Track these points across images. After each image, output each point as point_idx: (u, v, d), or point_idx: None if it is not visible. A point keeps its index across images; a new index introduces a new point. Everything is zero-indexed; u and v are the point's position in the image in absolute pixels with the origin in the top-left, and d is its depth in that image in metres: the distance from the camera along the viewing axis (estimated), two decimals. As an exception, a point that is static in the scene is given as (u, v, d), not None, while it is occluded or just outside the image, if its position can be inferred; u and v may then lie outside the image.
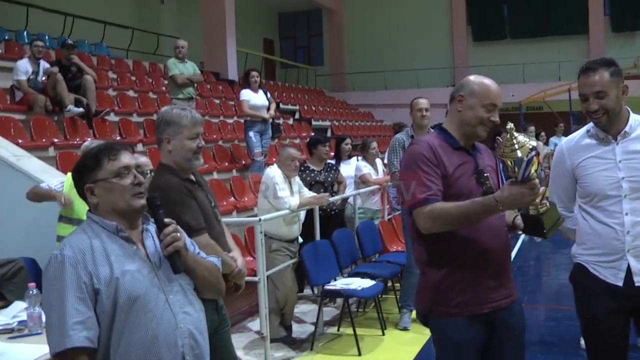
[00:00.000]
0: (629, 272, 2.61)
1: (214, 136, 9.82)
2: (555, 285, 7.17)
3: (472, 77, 2.50)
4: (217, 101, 12.31)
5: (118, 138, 8.06)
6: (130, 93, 10.45)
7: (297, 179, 5.44)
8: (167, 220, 2.09)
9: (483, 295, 2.40)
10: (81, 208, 3.99)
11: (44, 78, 7.74)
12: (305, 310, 6.15)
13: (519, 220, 2.45)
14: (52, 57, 9.05)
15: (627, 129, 2.63)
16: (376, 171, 7.05)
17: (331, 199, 5.85)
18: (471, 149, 2.51)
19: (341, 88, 22.51)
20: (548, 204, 2.31)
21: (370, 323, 5.67)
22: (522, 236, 8.66)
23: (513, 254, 7.60)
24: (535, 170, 2.13)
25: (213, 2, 14.10)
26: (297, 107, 15.51)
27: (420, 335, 5.10)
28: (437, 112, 7.13)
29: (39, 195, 4.43)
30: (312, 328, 5.33)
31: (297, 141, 11.35)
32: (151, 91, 11.22)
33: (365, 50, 22.25)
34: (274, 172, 5.23)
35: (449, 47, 22.42)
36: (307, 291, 6.51)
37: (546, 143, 11.85)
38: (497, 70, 15.87)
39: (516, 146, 2.13)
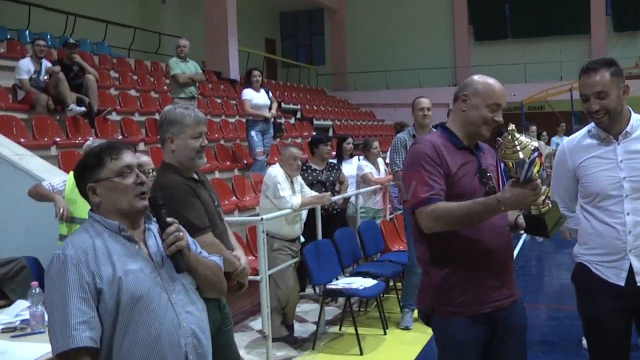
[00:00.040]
0: (630, 271, 2.62)
1: (216, 135, 9.82)
2: (556, 285, 7.17)
3: (476, 77, 2.49)
4: (219, 100, 12.31)
5: (120, 137, 8.07)
6: (132, 92, 10.45)
7: (299, 178, 5.44)
8: (169, 219, 2.09)
9: (485, 295, 2.40)
10: (83, 207, 3.99)
11: (46, 77, 7.74)
12: (307, 309, 6.15)
13: (521, 220, 2.45)
14: (54, 56, 9.05)
15: (628, 129, 2.64)
16: (378, 171, 7.06)
17: (333, 198, 5.85)
18: (474, 148, 2.51)
19: (343, 87, 22.49)
20: (550, 204, 2.31)
21: (372, 322, 5.67)
22: (524, 236, 8.67)
23: (515, 254, 7.59)
24: (538, 171, 2.13)
25: (215, 1, 14.08)
26: (299, 107, 15.52)
27: (422, 335, 5.10)
28: (439, 111, 7.14)
29: (40, 195, 4.43)
30: (314, 327, 5.34)
31: (298, 140, 11.34)
32: (153, 90, 11.22)
33: (367, 49, 22.23)
34: (276, 172, 5.24)
35: (450, 46, 22.42)
36: (309, 290, 6.52)
37: (548, 143, 11.86)
38: (498, 70, 15.80)
39: (518, 147, 2.12)
